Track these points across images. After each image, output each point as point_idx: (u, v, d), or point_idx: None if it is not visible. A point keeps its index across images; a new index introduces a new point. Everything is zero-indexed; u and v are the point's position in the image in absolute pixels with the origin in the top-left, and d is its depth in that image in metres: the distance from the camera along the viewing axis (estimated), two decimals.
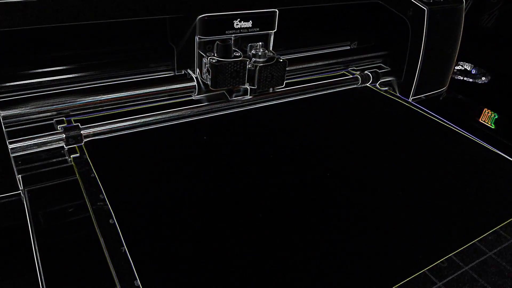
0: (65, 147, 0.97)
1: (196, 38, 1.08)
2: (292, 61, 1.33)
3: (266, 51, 1.11)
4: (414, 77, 1.37)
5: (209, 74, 1.06)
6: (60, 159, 0.96)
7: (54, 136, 0.95)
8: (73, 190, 0.90)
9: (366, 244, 0.79)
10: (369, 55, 1.45)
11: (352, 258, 0.76)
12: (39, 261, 0.75)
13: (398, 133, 1.17)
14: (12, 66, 1.00)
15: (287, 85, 1.28)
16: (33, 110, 0.96)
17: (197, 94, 1.15)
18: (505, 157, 1.07)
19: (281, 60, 1.11)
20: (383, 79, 1.43)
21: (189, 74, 1.15)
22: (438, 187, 0.96)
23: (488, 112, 1.63)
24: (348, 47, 1.53)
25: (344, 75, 1.42)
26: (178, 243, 0.76)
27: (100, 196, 0.83)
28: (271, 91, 1.22)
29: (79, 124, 0.99)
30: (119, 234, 0.75)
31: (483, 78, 1.78)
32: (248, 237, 0.79)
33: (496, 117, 1.60)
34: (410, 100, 1.39)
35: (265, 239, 0.78)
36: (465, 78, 1.81)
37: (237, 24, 1.08)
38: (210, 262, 0.73)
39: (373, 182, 0.96)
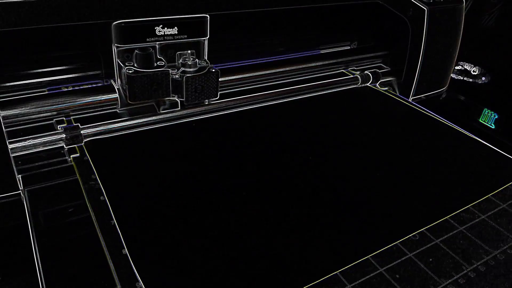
0: (65, 147, 0.97)
1: (113, 46, 0.99)
2: (292, 61, 1.34)
3: (197, 60, 1.03)
4: (414, 77, 1.37)
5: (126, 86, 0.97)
6: (60, 159, 0.96)
7: (54, 136, 0.95)
8: (73, 190, 0.90)
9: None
10: (369, 55, 1.45)
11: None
12: (39, 261, 0.75)
13: (398, 133, 1.17)
14: (12, 66, 1.00)
15: (287, 85, 1.29)
16: (33, 110, 0.96)
17: (121, 107, 1.06)
18: (505, 155, 1.07)
19: (213, 70, 1.03)
20: (383, 79, 1.43)
21: (113, 84, 1.06)
22: (439, 187, 0.96)
23: (488, 112, 1.63)
24: (348, 47, 1.53)
25: (344, 75, 1.42)
26: (179, 242, 0.76)
27: (100, 196, 0.83)
28: (206, 102, 1.13)
29: (79, 124, 0.99)
30: (119, 234, 0.75)
31: (483, 78, 1.78)
32: (249, 237, 0.78)
33: (496, 117, 1.60)
34: (410, 100, 1.39)
35: (265, 239, 0.78)
36: (465, 78, 1.80)
37: (159, 31, 0.99)
38: (211, 263, 0.73)
39: (373, 182, 0.96)
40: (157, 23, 0.98)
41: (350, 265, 0.73)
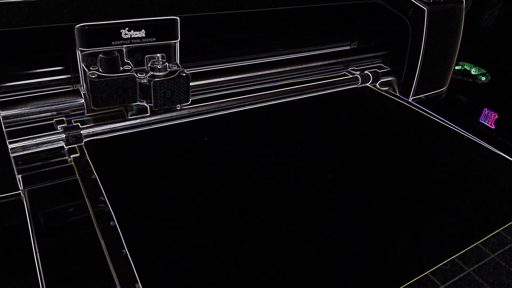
0: (65, 147, 0.96)
1: (77, 50, 0.95)
2: (292, 61, 1.34)
3: (167, 63, 1.00)
4: (414, 77, 1.37)
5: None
6: (60, 159, 0.96)
7: (54, 136, 0.95)
8: (73, 190, 0.90)
9: (368, 246, 0.79)
10: (369, 55, 1.45)
11: (354, 260, 0.76)
12: (39, 261, 0.75)
13: (398, 133, 1.17)
14: (12, 66, 1.00)
15: (287, 85, 1.29)
16: (33, 110, 0.96)
17: (87, 113, 1.02)
18: (505, 157, 1.07)
19: (183, 74, 0.99)
20: (383, 79, 1.43)
21: (80, 90, 1.03)
22: (439, 187, 0.96)
23: (488, 112, 1.63)
24: (348, 47, 1.52)
25: (344, 75, 1.42)
26: (179, 242, 0.76)
27: (100, 196, 0.83)
28: (180, 107, 1.09)
29: (79, 124, 0.99)
30: (119, 235, 0.75)
31: (483, 78, 1.78)
32: (249, 238, 0.78)
33: (496, 117, 1.60)
34: (410, 100, 1.39)
35: (266, 240, 0.78)
36: (465, 78, 1.80)
37: (125, 34, 0.94)
38: (211, 264, 0.73)
39: (373, 182, 0.96)
40: (123, 25, 0.94)
41: None
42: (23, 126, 0.96)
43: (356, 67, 1.44)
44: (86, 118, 1.04)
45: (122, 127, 1.03)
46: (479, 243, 0.81)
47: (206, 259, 0.73)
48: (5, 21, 0.84)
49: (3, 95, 0.98)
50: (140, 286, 0.67)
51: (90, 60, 0.95)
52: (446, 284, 0.72)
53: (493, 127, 1.60)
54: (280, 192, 0.90)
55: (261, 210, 0.85)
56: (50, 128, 0.98)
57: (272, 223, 0.82)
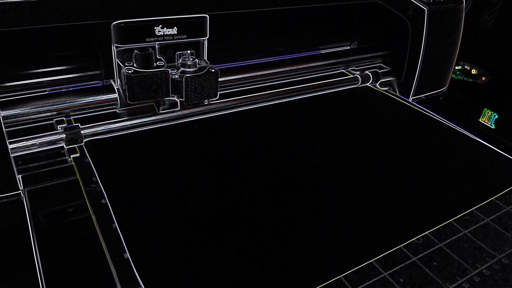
0: (65, 147, 0.97)
1: (113, 46, 0.99)
2: (292, 61, 1.34)
3: (197, 60, 1.02)
4: (414, 77, 1.37)
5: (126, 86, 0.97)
6: (60, 159, 0.96)
7: (54, 136, 0.95)
8: (73, 190, 0.90)
9: (352, 223, 0.83)
10: (369, 55, 1.45)
11: (334, 236, 0.79)
12: (39, 261, 0.75)
13: (398, 133, 1.17)
14: (12, 66, 1.00)
15: (287, 85, 1.29)
16: (33, 110, 0.96)
17: (120, 107, 1.06)
18: (505, 155, 1.07)
19: (212, 70, 1.02)
20: (383, 79, 1.43)
21: (113, 85, 1.06)
22: (439, 186, 0.96)
23: (488, 112, 1.63)
24: (348, 47, 1.53)
25: (344, 75, 1.42)
26: (178, 242, 0.76)
27: (100, 196, 0.83)
28: (206, 102, 1.12)
29: (79, 124, 0.99)
30: (119, 234, 0.75)
31: (483, 78, 1.78)
32: (249, 238, 0.78)
33: (496, 117, 1.60)
34: (410, 100, 1.39)
35: (265, 240, 0.78)
36: (465, 78, 1.81)
37: (159, 31, 0.98)
38: (211, 263, 0.73)
39: (373, 182, 0.96)
40: (157, 23, 0.98)
41: (354, 270, 0.72)
42: (23, 126, 0.96)
43: (356, 67, 1.44)
44: (120, 111, 1.07)
45: (122, 127, 1.03)
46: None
47: (206, 258, 0.74)
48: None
49: (3, 95, 0.98)
50: (140, 283, 0.67)
51: (125, 56, 0.99)
52: (418, 256, 0.75)
53: (493, 127, 1.60)
54: (280, 191, 0.90)
55: (261, 210, 0.85)
56: (50, 128, 0.98)
57: (272, 223, 0.82)
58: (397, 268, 0.73)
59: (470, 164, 1.04)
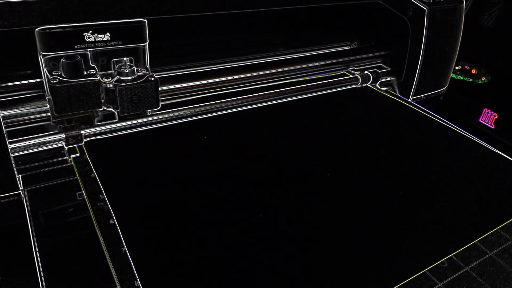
0: (65, 147, 0.97)
1: (39, 55, 0.90)
2: (292, 61, 1.34)
3: (135, 67, 0.96)
4: (414, 77, 1.37)
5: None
6: (60, 159, 0.96)
7: (54, 136, 0.95)
8: (73, 190, 0.90)
9: (367, 244, 0.79)
10: (369, 55, 1.45)
11: (353, 258, 0.76)
12: (39, 261, 0.75)
13: (398, 133, 1.17)
14: (12, 66, 1.00)
15: (288, 85, 1.29)
16: (33, 110, 0.96)
17: (53, 119, 0.98)
18: (505, 157, 1.07)
19: (152, 79, 0.95)
20: (383, 79, 1.43)
21: (45, 95, 0.98)
22: (439, 186, 0.96)
23: (488, 112, 1.63)
24: (348, 47, 1.53)
25: (344, 75, 1.42)
26: (178, 243, 0.76)
27: (100, 196, 0.83)
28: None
29: (79, 124, 0.99)
30: (119, 234, 0.75)
31: (483, 78, 1.78)
32: (248, 237, 0.78)
33: (496, 117, 1.60)
34: (410, 100, 1.39)
35: (265, 240, 0.78)
36: (465, 78, 1.81)
37: (89, 37, 0.90)
38: (210, 262, 0.73)
39: (373, 182, 0.96)
40: (86, 29, 0.90)
41: None
42: (23, 126, 0.96)
43: (356, 67, 1.44)
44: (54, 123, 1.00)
45: (122, 127, 1.03)
46: (477, 241, 0.81)
47: (205, 258, 0.74)
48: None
49: (3, 95, 0.98)
50: (140, 283, 0.67)
51: (52, 64, 0.91)
52: (444, 282, 0.72)
53: (493, 127, 1.60)
54: (280, 191, 0.90)
55: (261, 210, 0.85)
56: (50, 128, 0.98)
57: (272, 223, 0.82)
58: None
59: (472, 166, 1.04)
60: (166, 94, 1.12)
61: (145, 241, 0.76)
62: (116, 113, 1.01)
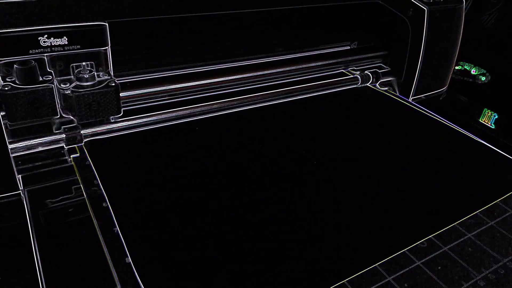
0: (65, 147, 0.97)
1: None
2: (292, 61, 1.34)
3: (96, 72, 0.92)
4: (414, 77, 1.37)
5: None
6: (60, 159, 0.96)
7: (54, 136, 0.95)
8: (73, 190, 0.90)
9: (351, 224, 0.82)
10: (369, 55, 1.45)
11: (337, 238, 0.79)
12: (39, 261, 0.75)
13: (398, 133, 1.17)
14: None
15: (287, 85, 1.29)
16: None
17: (10, 127, 0.92)
18: (505, 155, 1.07)
19: (112, 84, 0.91)
20: (383, 79, 1.43)
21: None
22: (439, 186, 0.96)
23: (488, 112, 1.63)
24: (348, 47, 1.53)
25: (344, 75, 1.42)
26: (178, 242, 0.76)
27: (100, 196, 0.83)
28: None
29: (79, 124, 0.99)
30: (119, 235, 0.75)
31: (483, 78, 1.78)
32: (249, 237, 0.78)
33: (496, 117, 1.60)
34: (410, 100, 1.39)
35: (266, 241, 0.78)
36: (465, 78, 1.81)
37: (45, 42, 0.85)
38: (210, 262, 0.73)
39: (373, 182, 0.96)
40: (41, 32, 0.85)
41: (357, 274, 0.71)
42: (23, 126, 0.96)
43: (356, 67, 1.44)
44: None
45: (122, 127, 1.03)
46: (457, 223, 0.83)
47: (205, 257, 0.73)
48: None
49: None
50: (140, 283, 0.67)
51: (6, 70, 0.87)
52: (423, 260, 0.75)
53: (493, 127, 1.60)
54: (280, 191, 0.90)
55: (262, 210, 0.85)
56: (50, 128, 0.98)
57: (273, 224, 0.82)
58: (401, 272, 0.72)
59: (471, 165, 1.04)
60: (166, 94, 1.12)
61: (145, 241, 0.76)
62: (75, 120, 0.96)
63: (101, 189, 0.85)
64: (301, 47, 1.42)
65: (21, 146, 0.92)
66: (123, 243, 0.73)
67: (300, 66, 1.32)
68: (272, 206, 0.86)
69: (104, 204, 0.81)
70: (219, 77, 1.19)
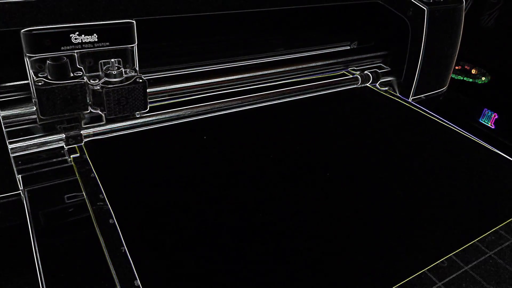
0: (65, 147, 0.97)
1: (25, 56, 0.88)
2: (292, 61, 1.34)
3: (123, 69, 0.94)
4: (414, 77, 1.37)
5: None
6: (60, 159, 0.96)
7: (54, 136, 0.95)
8: (73, 190, 0.90)
9: (366, 244, 0.79)
10: (369, 55, 1.45)
11: (352, 258, 0.76)
12: (39, 261, 0.75)
13: (398, 133, 1.17)
14: (12, 66, 1.00)
15: (287, 85, 1.29)
16: (33, 110, 0.96)
17: (39, 122, 0.95)
18: (505, 157, 1.07)
19: (140, 81, 0.93)
20: (383, 79, 1.43)
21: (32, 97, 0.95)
22: (438, 186, 0.96)
23: (488, 112, 1.63)
24: (348, 47, 1.53)
25: (344, 75, 1.42)
26: (178, 243, 0.76)
27: (100, 196, 0.83)
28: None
29: (79, 124, 0.99)
30: (119, 234, 0.75)
31: (483, 78, 1.78)
32: (249, 237, 0.78)
33: (496, 117, 1.60)
34: (410, 100, 1.39)
35: (266, 242, 0.78)
36: (465, 78, 1.81)
37: (76, 39, 0.88)
38: (210, 262, 0.73)
39: (373, 182, 0.96)
40: (72, 30, 0.88)
41: None
42: (23, 126, 0.96)
43: (356, 67, 1.44)
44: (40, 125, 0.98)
45: (122, 127, 1.03)
46: (477, 241, 0.81)
47: (205, 258, 0.74)
48: None
49: (3, 95, 0.98)
50: (139, 283, 0.67)
51: (38, 66, 0.89)
52: (444, 281, 0.72)
53: (493, 127, 1.60)
54: (280, 191, 0.90)
55: (261, 209, 0.85)
56: (50, 128, 0.98)
57: (272, 222, 0.82)
58: None
59: (475, 168, 1.04)
60: (166, 94, 1.12)
61: (145, 241, 0.76)
62: (103, 115, 0.98)
63: (101, 189, 0.85)
64: (301, 47, 1.42)
65: (21, 146, 0.92)
66: (123, 243, 0.73)
67: (300, 66, 1.32)
68: (272, 207, 0.86)
69: (104, 204, 0.81)
70: (219, 77, 1.19)
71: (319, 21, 1.42)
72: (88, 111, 0.94)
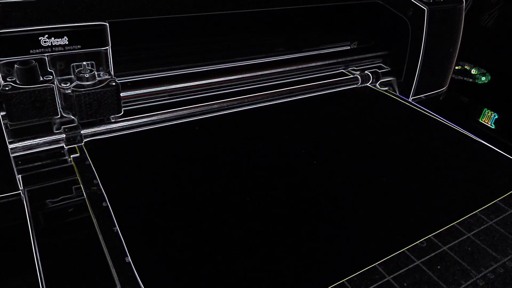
0: (65, 147, 0.97)
1: None
2: (292, 61, 1.34)
3: (96, 72, 0.93)
4: (414, 77, 1.37)
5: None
6: (60, 159, 0.96)
7: (54, 136, 0.95)
8: (73, 190, 0.90)
9: (354, 226, 0.82)
10: (369, 55, 1.45)
11: (339, 240, 0.79)
12: (39, 261, 0.75)
13: (398, 133, 1.17)
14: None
15: (287, 85, 1.29)
16: None
17: (10, 127, 0.93)
18: (505, 155, 1.07)
19: (112, 84, 0.91)
20: (383, 79, 1.43)
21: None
22: (438, 186, 0.96)
23: (488, 112, 1.63)
24: (348, 47, 1.53)
25: (344, 75, 1.42)
26: (178, 242, 0.76)
27: (100, 196, 0.83)
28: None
29: (79, 124, 0.99)
30: (119, 234, 0.75)
31: (483, 78, 1.78)
32: (250, 239, 0.78)
33: (496, 117, 1.60)
34: (410, 100, 1.39)
35: (266, 242, 0.78)
36: (465, 78, 1.81)
37: (45, 42, 0.86)
38: (210, 261, 0.73)
39: (373, 181, 0.96)
40: (41, 32, 0.85)
41: (357, 273, 0.71)
42: (23, 126, 0.96)
43: (356, 67, 1.44)
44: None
45: (122, 127, 1.03)
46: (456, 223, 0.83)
47: (205, 257, 0.73)
48: None
49: None
50: (140, 283, 0.67)
51: (6, 70, 0.87)
52: (422, 259, 0.75)
53: (493, 127, 1.60)
54: (279, 191, 0.90)
55: (262, 211, 0.85)
56: (50, 128, 0.98)
57: (273, 224, 0.82)
58: (401, 271, 0.72)
59: (471, 165, 1.04)
60: (166, 94, 1.12)
61: (145, 240, 0.76)
62: (75, 119, 0.97)
63: (101, 189, 0.85)
64: (301, 47, 1.42)
65: (21, 146, 0.92)
66: (123, 243, 0.73)
67: (300, 66, 1.32)
68: (272, 206, 0.86)
69: (104, 204, 0.81)
70: (219, 77, 1.19)
71: (319, 21, 1.42)
72: (59, 116, 0.92)
